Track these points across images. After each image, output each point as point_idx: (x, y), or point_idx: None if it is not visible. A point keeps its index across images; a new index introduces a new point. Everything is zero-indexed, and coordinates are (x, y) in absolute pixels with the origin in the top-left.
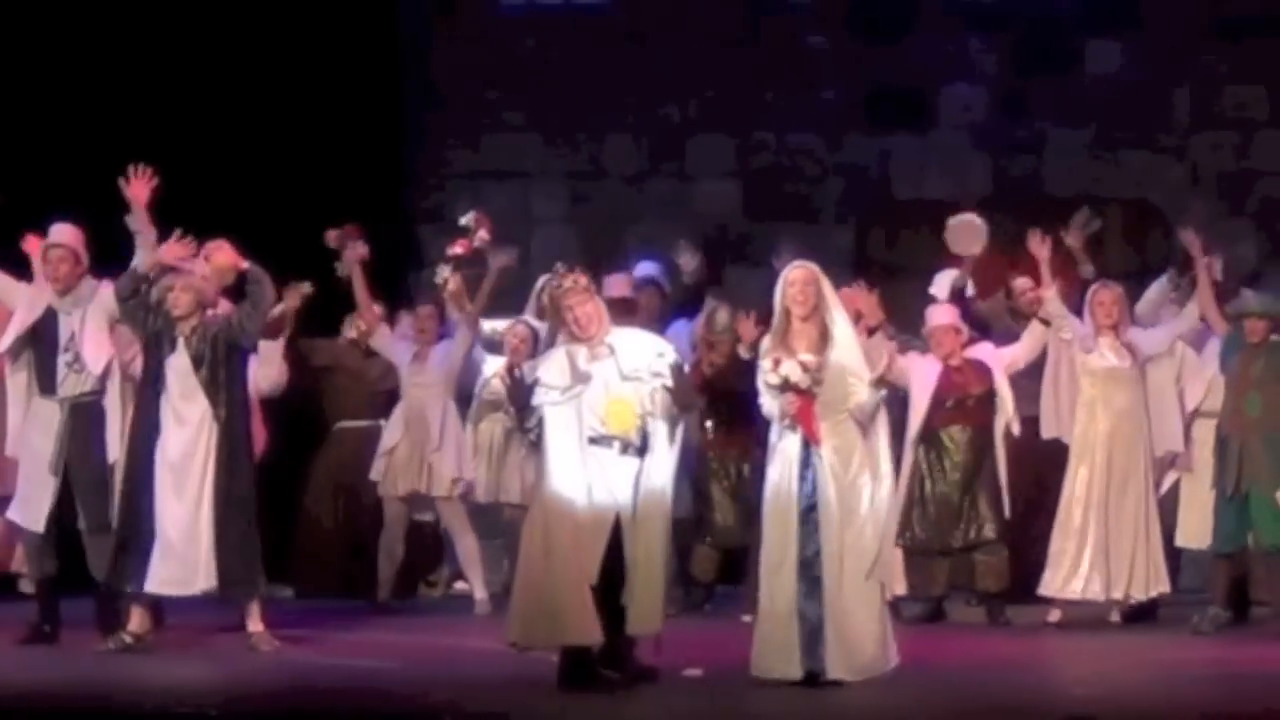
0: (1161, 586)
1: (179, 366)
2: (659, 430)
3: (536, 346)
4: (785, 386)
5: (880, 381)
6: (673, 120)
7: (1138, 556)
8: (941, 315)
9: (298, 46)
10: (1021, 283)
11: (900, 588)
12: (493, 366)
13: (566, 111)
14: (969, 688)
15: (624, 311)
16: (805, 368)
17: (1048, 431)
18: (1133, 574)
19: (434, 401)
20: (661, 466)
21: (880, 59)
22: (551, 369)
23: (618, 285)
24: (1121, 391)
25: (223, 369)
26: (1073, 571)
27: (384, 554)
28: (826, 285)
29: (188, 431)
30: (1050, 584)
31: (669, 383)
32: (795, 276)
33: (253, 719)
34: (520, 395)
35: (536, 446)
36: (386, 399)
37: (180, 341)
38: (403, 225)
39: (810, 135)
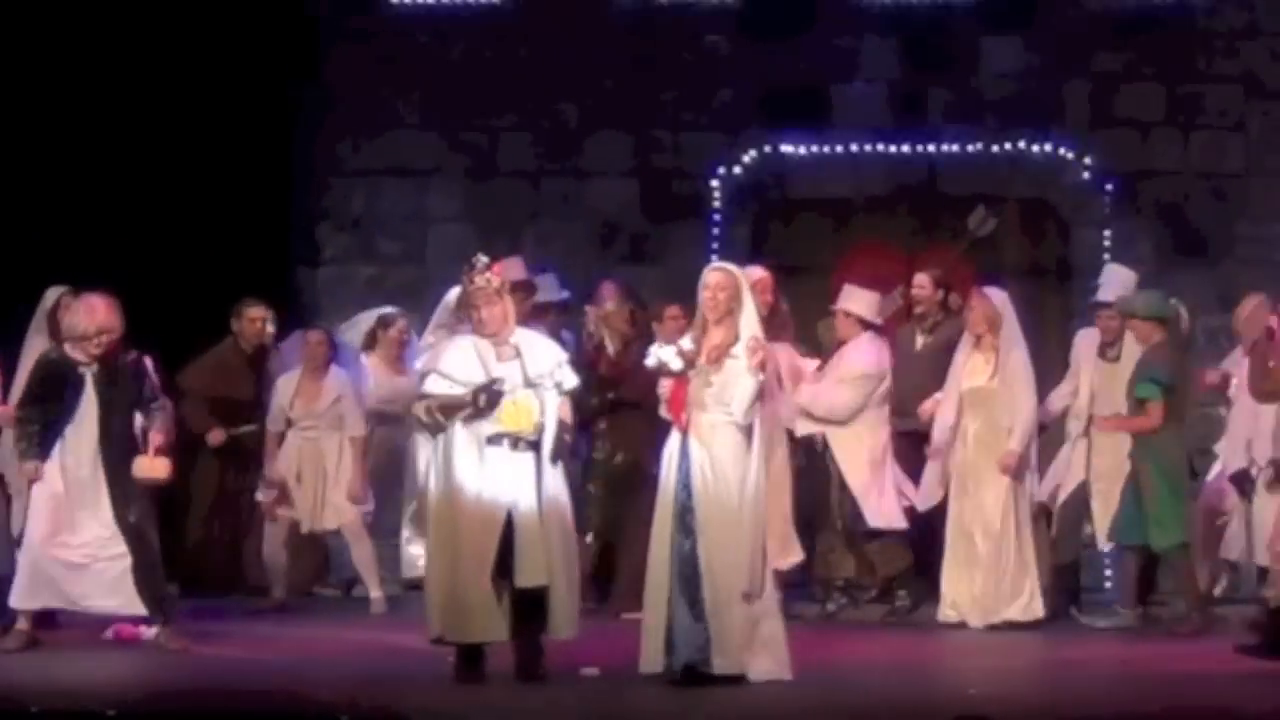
0: (1036, 612)
1: (84, 400)
2: (553, 436)
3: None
4: (660, 370)
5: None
6: (569, 118)
7: (1003, 578)
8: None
9: (189, 47)
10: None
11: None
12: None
13: (462, 109)
14: (864, 687)
15: (527, 294)
16: (680, 352)
17: None
18: (999, 595)
19: (327, 439)
20: (558, 473)
21: (776, 57)
22: (455, 360)
23: (515, 268)
24: (983, 410)
25: (121, 406)
26: (958, 595)
27: (269, 560)
28: (746, 293)
29: (86, 459)
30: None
31: (567, 390)
32: (709, 279)
33: (151, 718)
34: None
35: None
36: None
37: (88, 377)
38: (297, 223)
39: (707, 133)
